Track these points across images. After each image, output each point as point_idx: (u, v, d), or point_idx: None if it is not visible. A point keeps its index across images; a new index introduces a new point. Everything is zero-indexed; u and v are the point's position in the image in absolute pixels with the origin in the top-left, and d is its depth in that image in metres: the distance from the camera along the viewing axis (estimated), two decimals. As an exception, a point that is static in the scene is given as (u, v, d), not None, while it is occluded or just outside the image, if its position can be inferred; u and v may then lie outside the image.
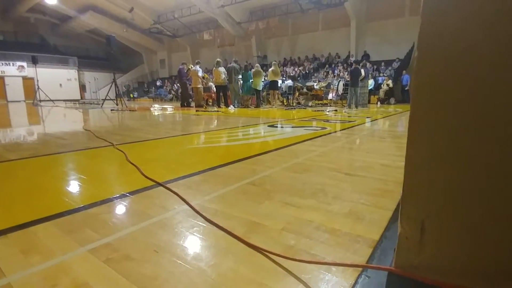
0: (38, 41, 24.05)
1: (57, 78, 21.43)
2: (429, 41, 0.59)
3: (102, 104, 11.07)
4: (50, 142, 3.06)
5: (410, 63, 12.96)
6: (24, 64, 20.41)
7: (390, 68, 14.09)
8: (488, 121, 0.54)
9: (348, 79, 10.16)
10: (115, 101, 10.38)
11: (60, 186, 1.55)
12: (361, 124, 4.72)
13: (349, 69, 11.87)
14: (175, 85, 20.43)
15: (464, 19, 0.55)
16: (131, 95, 24.40)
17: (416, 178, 0.60)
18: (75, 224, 1.07)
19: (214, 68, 9.73)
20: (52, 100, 14.24)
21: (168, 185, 1.47)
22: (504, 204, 0.53)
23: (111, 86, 10.12)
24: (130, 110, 8.65)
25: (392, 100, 11.88)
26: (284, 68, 17.79)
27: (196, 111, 8.47)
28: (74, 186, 1.56)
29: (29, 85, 19.50)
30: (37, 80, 12.58)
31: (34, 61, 12.91)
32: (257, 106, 10.19)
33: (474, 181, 0.56)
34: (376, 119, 5.63)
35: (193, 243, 0.93)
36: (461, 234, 0.57)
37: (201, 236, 0.98)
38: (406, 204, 0.62)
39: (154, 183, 1.53)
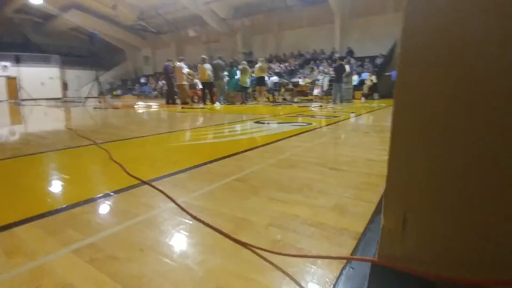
0: (21, 41, 23.19)
1: (39, 77, 20.66)
2: (412, 38, 0.60)
3: (85, 102, 10.77)
4: (32, 141, 2.95)
5: (393, 59, 13.25)
6: (8, 64, 19.64)
7: (373, 65, 14.34)
8: (470, 118, 0.55)
9: (333, 75, 10.28)
10: (98, 99, 10.11)
11: (42, 186, 1.51)
12: (345, 119, 4.79)
13: (333, 65, 12.00)
14: (159, 82, 20.08)
15: (447, 17, 0.56)
16: (115, 93, 23.80)
17: (398, 172, 0.62)
18: (58, 224, 1.04)
19: (200, 64, 9.62)
20: (34, 99, 13.75)
21: (153, 183, 1.45)
22: (485, 195, 0.56)
23: (93, 83, 9.85)
24: (113, 108, 8.45)
25: (376, 95, 12.11)
26: (270, 64, 17.80)
27: (182, 108, 8.36)
28: (57, 186, 1.52)
29: (12, 85, 18.77)
30: (20, 80, 12.10)
31: (17, 61, 12.42)
32: (244, 102, 10.17)
33: (454, 174, 0.58)
34: (361, 114, 5.73)
35: (179, 241, 0.93)
36: (442, 226, 0.59)
37: (187, 234, 0.97)
38: (388, 197, 0.64)
39: (139, 182, 1.51)
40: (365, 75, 12.96)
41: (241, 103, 10.04)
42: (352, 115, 5.59)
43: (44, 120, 5.85)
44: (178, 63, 9.97)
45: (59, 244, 0.90)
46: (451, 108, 0.57)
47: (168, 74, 10.23)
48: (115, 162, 1.91)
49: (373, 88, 12.25)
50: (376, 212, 1.12)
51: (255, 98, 11.16)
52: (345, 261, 0.81)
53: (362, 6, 16.04)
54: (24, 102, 12.95)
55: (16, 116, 6.81)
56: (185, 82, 9.92)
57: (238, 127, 4.01)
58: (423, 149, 0.60)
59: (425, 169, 0.60)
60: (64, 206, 1.21)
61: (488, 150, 0.55)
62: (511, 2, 0.50)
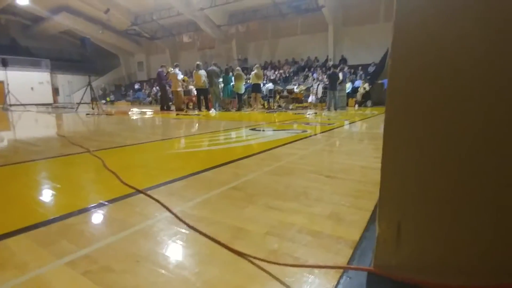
0: (8, 43, 22.77)
1: (28, 81, 20.30)
2: (401, 48, 0.62)
3: (77, 108, 10.66)
4: (21, 149, 2.91)
5: (385, 67, 13.48)
6: (-7, 66, 19.23)
7: (366, 72, 14.55)
8: (461, 125, 0.57)
9: (327, 83, 10.40)
10: (91, 105, 10.03)
11: (33, 196, 1.48)
12: (340, 126, 4.84)
13: (327, 72, 12.15)
14: (154, 88, 20.04)
15: (435, 28, 0.58)
16: (108, 99, 23.64)
17: (391, 181, 0.63)
18: (51, 235, 1.02)
19: (195, 71, 9.65)
20: (23, 105, 13.55)
21: (148, 192, 1.44)
22: (478, 203, 0.57)
23: (86, 89, 9.77)
24: (107, 114, 8.38)
25: (369, 103, 12.27)
26: (265, 71, 17.94)
27: (177, 114, 8.34)
28: (48, 196, 1.49)
29: (-1, 89, 18.45)
30: (7, 84, 11.92)
31: (4, 64, 12.23)
32: (239, 109, 10.19)
33: (447, 183, 0.59)
34: (354, 121, 5.79)
35: (176, 251, 0.92)
36: (436, 234, 0.60)
37: (184, 244, 0.96)
38: (382, 206, 0.65)
39: (134, 191, 1.49)
40: (358, 83, 13.15)
41: (236, 110, 10.06)
42: (346, 122, 5.64)
43: (34, 126, 5.77)
44: (172, 69, 9.98)
45: (53, 256, 0.89)
46: (442, 117, 0.58)
47: (161, 80, 10.22)
48: (109, 170, 1.89)
49: (366, 95, 12.43)
50: (371, 220, 1.13)
51: (250, 105, 11.20)
52: (342, 270, 0.81)
53: (355, 15, 16.38)
54: (12, 108, 12.75)
55: (3, 122, 6.70)
56: (180, 89, 9.92)
57: (233, 134, 4.02)
58: (415, 158, 0.61)
59: (418, 178, 0.62)
60: (57, 216, 1.19)
61: (482, 157, 0.56)
62: (498, 12, 0.52)
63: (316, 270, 0.81)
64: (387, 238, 0.63)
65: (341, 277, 0.78)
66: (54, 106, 16.27)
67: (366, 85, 12.57)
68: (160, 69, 10.31)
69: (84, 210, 1.25)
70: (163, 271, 0.81)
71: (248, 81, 10.98)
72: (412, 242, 0.62)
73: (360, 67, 15.08)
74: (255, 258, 0.85)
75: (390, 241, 0.63)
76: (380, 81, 13.13)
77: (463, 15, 0.55)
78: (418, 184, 0.61)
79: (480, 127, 0.55)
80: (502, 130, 0.54)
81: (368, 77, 13.83)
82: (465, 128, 0.56)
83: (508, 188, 0.54)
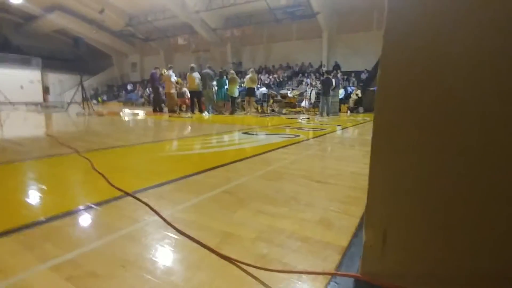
0: (0, 41, 22.37)
1: (18, 80, 19.85)
2: (390, 58, 0.63)
3: (67, 107, 10.49)
4: (8, 149, 2.84)
5: (377, 75, 13.69)
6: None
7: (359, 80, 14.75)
8: (448, 135, 0.58)
9: (320, 88, 10.50)
10: (82, 105, 9.89)
11: (18, 198, 1.44)
12: (332, 132, 4.88)
13: (321, 78, 12.28)
14: (147, 89, 19.89)
15: (423, 38, 0.59)
16: (99, 99, 23.35)
17: (378, 189, 0.64)
18: (35, 238, 1.00)
19: (188, 73, 9.62)
20: (12, 103, 13.29)
21: (137, 195, 1.42)
22: (463, 212, 0.58)
23: (77, 88, 9.63)
24: (98, 115, 8.27)
25: (361, 109, 12.42)
26: (259, 75, 18.02)
27: (169, 116, 8.29)
28: (34, 198, 1.46)
29: (-13, 87, 17.98)
30: None
31: (-5, 62, 11.97)
32: (232, 112, 10.19)
33: (433, 192, 0.60)
34: (346, 127, 5.84)
35: (164, 257, 0.91)
36: (421, 242, 0.61)
37: (172, 249, 0.95)
38: (369, 213, 0.65)
39: (122, 193, 1.47)
40: (350, 89, 13.30)
41: (230, 113, 10.06)
42: (338, 128, 5.69)
43: (22, 125, 5.65)
44: (166, 71, 9.93)
45: (37, 259, 0.86)
46: (429, 127, 0.59)
47: (155, 82, 10.17)
48: (98, 172, 1.86)
49: (358, 102, 12.58)
50: (360, 226, 1.14)
51: (243, 109, 11.21)
52: (330, 276, 0.81)
53: (349, 23, 16.63)
54: (1, 106, 12.49)
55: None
56: (173, 91, 9.88)
57: (226, 137, 4.01)
58: (402, 167, 0.62)
59: (404, 186, 0.62)
60: (42, 219, 1.16)
61: (469, 167, 0.57)
62: (485, 27, 0.53)
63: (304, 276, 0.81)
64: (374, 245, 0.64)
65: (328, 283, 0.78)
66: (44, 105, 15.99)
67: (359, 92, 12.73)
68: (153, 71, 10.26)
69: (70, 213, 1.23)
70: (149, 277, 0.79)
71: (242, 84, 10.99)
72: (397, 250, 0.62)
73: (353, 74, 15.28)
74: (244, 263, 0.84)
75: (376, 248, 0.63)
76: (372, 88, 13.32)
77: (452, 27, 0.56)
78: (404, 192, 0.62)
79: (467, 136, 0.56)
80: (490, 140, 0.55)
81: (361, 84, 14.02)
82: (453, 137, 0.58)
83: (494, 196, 0.55)
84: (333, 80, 9.84)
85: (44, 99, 21.69)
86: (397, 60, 0.62)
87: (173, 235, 1.04)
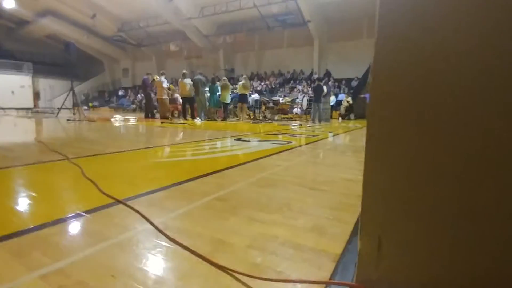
0: None
1: (9, 85, 19.52)
2: (381, 70, 0.64)
3: (58, 113, 10.32)
4: (-6, 155, 2.77)
5: (367, 82, 13.93)
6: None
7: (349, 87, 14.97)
8: (442, 142, 0.58)
9: (312, 95, 10.61)
10: (72, 111, 9.74)
11: (7, 205, 1.40)
12: (324, 138, 4.92)
13: (312, 85, 12.41)
14: (138, 95, 19.75)
15: (415, 44, 0.60)
16: (90, 104, 23.05)
17: (373, 196, 0.64)
18: (24, 247, 0.97)
19: (180, 79, 9.61)
20: (3, 108, 13.07)
21: (128, 202, 1.40)
22: (458, 220, 0.58)
23: (68, 94, 9.49)
24: (88, 121, 8.16)
25: (352, 116, 12.59)
26: (251, 82, 18.11)
27: (161, 123, 8.23)
28: (23, 205, 1.42)
29: (-21, 92, 17.58)
30: None
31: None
32: (224, 119, 10.19)
33: (427, 200, 0.60)
34: (338, 134, 5.90)
35: (155, 265, 0.89)
36: (415, 250, 0.61)
37: (164, 257, 0.94)
38: (364, 221, 0.66)
39: (113, 200, 1.44)
40: (341, 96, 13.49)
41: (222, 120, 10.05)
42: (330, 134, 5.75)
43: (12, 131, 5.52)
44: (158, 77, 9.90)
45: (25, 268, 0.84)
46: (423, 134, 0.60)
47: (146, 87, 10.12)
48: (88, 179, 1.83)
49: (349, 109, 12.75)
50: (353, 233, 1.14)
51: (235, 115, 11.22)
52: (324, 285, 0.81)
53: (339, 32, 16.93)
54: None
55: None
56: (165, 97, 9.83)
57: (218, 144, 4.00)
58: (397, 174, 0.63)
59: (399, 194, 0.63)
60: (31, 226, 1.13)
61: (464, 174, 0.57)
62: (484, 41, 0.54)
63: (298, 285, 0.80)
64: (368, 253, 0.64)
65: (323, 291, 0.78)
66: (35, 111, 15.71)
67: (350, 99, 12.91)
68: (145, 77, 10.21)
69: (60, 221, 1.20)
70: (140, 287, 0.78)
71: (235, 91, 11.03)
72: (392, 258, 0.63)
73: (343, 81, 15.50)
74: (237, 272, 0.83)
75: (371, 256, 0.64)
76: (362, 95, 13.54)
77: (445, 31, 0.57)
78: (399, 199, 0.62)
79: (462, 144, 0.57)
80: (487, 145, 0.55)
81: (351, 91, 14.22)
82: (447, 144, 0.58)
83: (493, 203, 0.55)
84: (325, 87, 9.97)
85: (35, 105, 21.32)
86: (389, 67, 0.63)
87: (165, 243, 1.02)
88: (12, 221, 1.20)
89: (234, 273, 0.84)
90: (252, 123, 8.91)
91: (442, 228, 0.59)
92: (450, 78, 0.57)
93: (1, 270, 0.83)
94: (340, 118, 12.35)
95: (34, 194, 1.58)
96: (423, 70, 0.59)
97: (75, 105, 9.66)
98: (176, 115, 11.16)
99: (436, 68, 0.58)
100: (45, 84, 23.52)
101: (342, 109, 12.81)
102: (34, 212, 1.33)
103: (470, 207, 0.57)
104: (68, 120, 8.19)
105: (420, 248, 0.61)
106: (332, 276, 0.85)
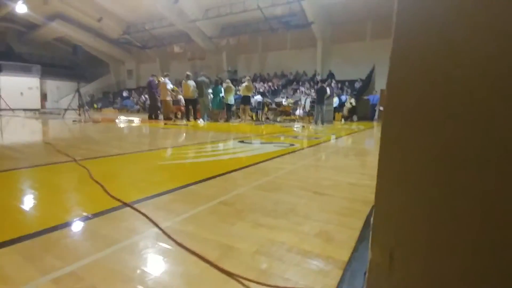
0: (4, 49, 22.49)
1: (18, 87, 19.83)
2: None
3: (64, 114, 10.41)
4: (5, 156, 2.81)
5: (370, 84, 13.88)
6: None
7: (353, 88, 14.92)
8: (458, 152, 0.56)
9: (315, 97, 10.60)
10: (78, 112, 9.82)
11: (16, 208, 1.42)
12: (327, 141, 4.92)
13: (315, 87, 12.40)
14: (142, 96, 19.85)
15: (434, 41, 0.57)
16: (95, 106, 23.22)
17: (386, 207, 0.64)
18: (36, 250, 0.99)
19: (184, 81, 9.65)
20: (12, 109, 13.28)
21: (135, 206, 1.42)
22: (475, 232, 0.56)
23: (74, 95, 9.57)
24: (93, 122, 8.22)
25: (355, 118, 12.55)
26: (254, 83, 18.12)
27: (165, 124, 8.27)
28: (32, 208, 1.44)
29: (-8, 94, 17.94)
30: (0, 89, 11.71)
31: (-1, 70, 12.06)
32: (227, 120, 10.21)
33: (441, 213, 0.59)
34: (341, 136, 5.89)
35: (163, 270, 0.90)
36: (428, 263, 0.61)
37: (172, 262, 0.95)
38: (376, 232, 0.65)
39: (120, 204, 1.46)
40: (344, 98, 13.45)
41: (225, 121, 10.07)
42: (333, 136, 5.74)
43: (21, 132, 5.59)
44: (162, 78, 9.95)
45: (38, 272, 0.85)
46: (440, 142, 0.57)
47: (152, 89, 10.17)
48: (96, 181, 1.85)
49: (352, 110, 12.71)
50: (360, 239, 1.14)
51: (238, 116, 11.24)
52: (331, 291, 0.81)
53: (343, 33, 16.91)
54: (1, 112, 12.48)
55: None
56: (169, 98, 9.88)
57: (222, 146, 4.01)
58: (410, 186, 0.62)
59: (412, 206, 0.61)
60: (42, 229, 1.15)
61: (479, 187, 0.55)
62: (497, 42, 0.52)
63: (305, 291, 0.81)
64: (380, 264, 0.64)
65: (330, 298, 0.78)
66: (42, 112, 15.90)
67: (353, 100, 12.88)
68: (151, 78, 10.27)
69: (69, 224, 1.22)
70: (151, 292, 0.79)
71: (238, 92, 11.05)
72: (404, 270, 0.62)
73: (346, 83, 15.47)
74: (245, 278, 0.84)
75: (383, 267, 0.63)
76: (365, 97, 13.49)
77: (466, 28, 0.54)
78: (412, 212, 0.61)
79: (478, 154, 0.55)
80: (499, 156, 0.53)
81: (355, 93, 14.18)
82: (464, 155, 0.56)
83: (504, 217, 0.54)
84: (328, 89, 9.95)
85: (42, 106, 21.60)
86: (406, 65, 0.59)
87: (172, 248, 1.04)
88: (23, 223, 1.22)
89: (242, 280, 0.85)
90: (255, 124, 8.92)
91: (458, 240, 0.58)
92: (477, 74, 0.53)
93: (14, 273, 0.85)
94: (343, 120, 12.32)
95: (44, 196, 1.60)
96: (444, 67, 0.55)
97: (80, 106, 9.74)
98: (179, 116, 11.20)
99: (460, 64, 0.54)
100: (52, 85, 23.83)
101: (345, 110, 12.78)
102: (44, 215, 1.35)
103: (488, 220, 0.55)
104: (73, 121, 8.26)
105: (433, 263, 0.60)
106: (340, 284, 0.85)
